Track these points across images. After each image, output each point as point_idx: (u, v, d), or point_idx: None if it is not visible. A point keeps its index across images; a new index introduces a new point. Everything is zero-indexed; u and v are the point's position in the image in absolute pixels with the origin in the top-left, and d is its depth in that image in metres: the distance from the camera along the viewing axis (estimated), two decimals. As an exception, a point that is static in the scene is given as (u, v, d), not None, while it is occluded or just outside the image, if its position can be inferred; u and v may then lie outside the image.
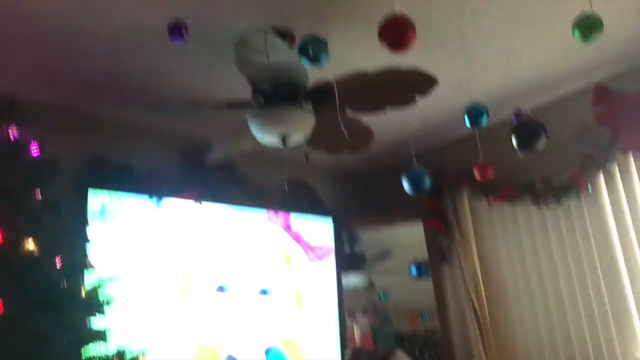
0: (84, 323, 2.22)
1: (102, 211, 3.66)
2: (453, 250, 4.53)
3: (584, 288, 3.76)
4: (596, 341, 3.63)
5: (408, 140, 3.55)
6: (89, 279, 2.49)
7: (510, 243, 4.25)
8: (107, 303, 2.39)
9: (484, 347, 4.28)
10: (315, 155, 3.13)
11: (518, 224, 4.22)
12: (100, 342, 2.26)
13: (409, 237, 5.13)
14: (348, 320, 5.66)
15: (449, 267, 4.61)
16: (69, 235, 2.46)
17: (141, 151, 3.95)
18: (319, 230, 4.75)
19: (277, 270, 4.42)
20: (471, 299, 4.39)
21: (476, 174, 3.19)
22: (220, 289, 4.07)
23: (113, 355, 2.22)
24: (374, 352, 4.55)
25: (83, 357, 2.15)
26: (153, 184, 3.88)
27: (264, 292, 4.27)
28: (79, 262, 2.43)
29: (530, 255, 4.11)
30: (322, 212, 4.78)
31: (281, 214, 4.52)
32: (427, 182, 3.39)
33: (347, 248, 5.54)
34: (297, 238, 4.62)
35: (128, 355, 2.26)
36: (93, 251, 2.67)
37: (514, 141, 2.85)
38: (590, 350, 3.64)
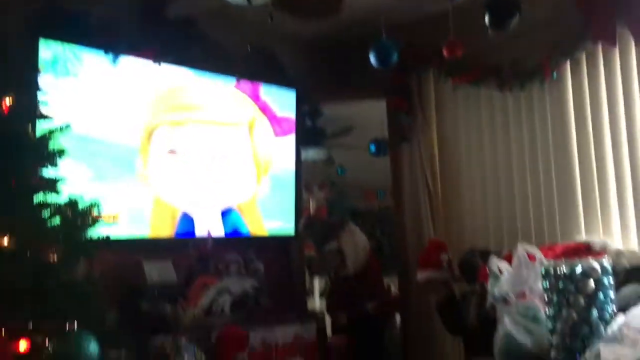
0: (33, 171, 2.17)
1: (54, 63, 3.48)
2: (413, 130, 4.56)
3: (535, 171, 3.88)
4: (539, 221, 3.81)
5: (379, 10, 3.43)
6: (41, 128, 2.41)
7: (471, 125, 4.30)
8: (59, 154, 2.33)
9: (434, 223, 4.46)
10: (280, 21, 2.99)
11: (480, 107, 4.25)
12: (52, 191, 2.22)
13: (371, 114, 5.12)
14: (305, 193, 5.78)
15: (407, 146, 4.66)
16: (17, 80, 2.34)
17: (98, 1, 3.71)
18: (285, 102, 4.67)
19: (240, 136, 4.37)
20: (426, 178, 4.51)
21: (445, 51, 3.13)
22: (175, 151, 4.04)
23: (65, 204, 2.20)
24: (327, 221, 4.68)
25: (33, 204, 2.13)
26: (110, 38, 3.68)
27: (223, 157, 4.26)
28: (28, 110, 2.34)
29: (488, 138, 4.18)
30: (285, 83, 4.68)
31: (248, 83, 4.40)
32: (395, 56, 3.33)
33: (308, 121, 5.52)
34: (264, 108, 4.53)
35: (80, 205, 2.24)
36: (45, 101, 2.55)
37: (486, 17, 2.78)
38: (532, 228, 3.82)
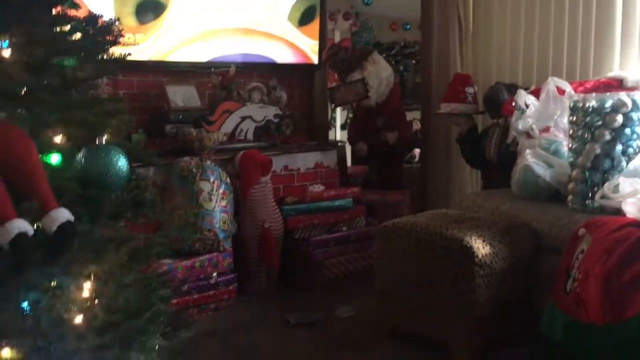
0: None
1: None
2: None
3: (574, 4, 3.65)
4: (572, 57, 3.66)
5: None
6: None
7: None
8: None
9: (462, 57, 4.33)
10: None
11: None
12: (70, 4, 2.15)
13: None
14: (329, 23, 5.58)
15: (440, -28, 4.38)
16: None
17: None
18: None
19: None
20: (457, 9, 4.30)
21: None
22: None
23: (84, 19, 2.14)
24: (351, 51, 4.56)
25: (52, 16, 2.07)
26: None
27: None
28: None
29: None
30: None
31: None
32: None
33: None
34: None
35: (101, 22, 2.18)
36: None
37: None
38: (564, 65, 3.69)
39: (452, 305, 2.58)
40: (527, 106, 3.15)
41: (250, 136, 3.93)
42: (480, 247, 2.53)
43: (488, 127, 3.81)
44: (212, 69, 3.93)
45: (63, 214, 1.77)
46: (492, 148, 3.64)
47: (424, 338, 2.73)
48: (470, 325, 2.56)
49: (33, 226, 1.74)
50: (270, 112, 4.02)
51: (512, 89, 3.56)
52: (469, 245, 2.51)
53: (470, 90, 3.89)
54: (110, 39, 2.21)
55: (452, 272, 2.56)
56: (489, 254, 2.54)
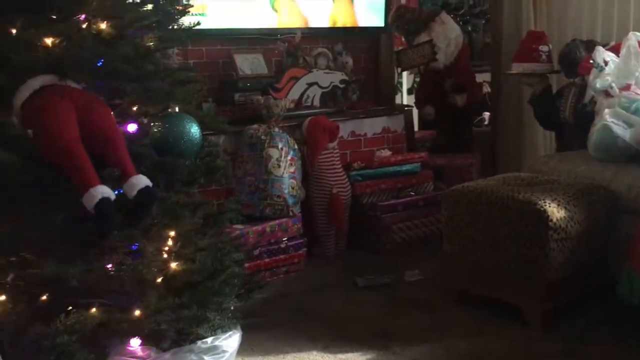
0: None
1: None
2: None
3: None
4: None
5: None
6: None
7: None
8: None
9: (535, 14, 4.16)
10: None
11: None
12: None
13: None
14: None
15: None
16: None
17: None
18: None
19: None
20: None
21: None
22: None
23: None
24: (419, 12, 4.45)
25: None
26: None
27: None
28: None
29: None
30: None
31: None
32: None
33: None
34: None
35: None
36: None
37: None
38: None
39: (525, 269, 2.53)
40: (605, 63, 3.00)
41: (316, 102, 3.93)
42: (555, 211, 2.46)
43: (563, 87, 3.66)
44: (278, 35, 3.94)
45: (142, 180, 1.86)
46: (567, 109, 3.50)
47: (494, 301, 2.70)
48: (543, 289, 2.52)
49: (114, 192, 1.83)
50: (336, 78, 3.99)
51: (590, 45, 3.40)
52: (542, 208, 2.45)
53: (544, 48, 3.73)
54: (180, 9, 2.26)
55: (525, 236, 2.51)
56: (564, 217, 2.48)
